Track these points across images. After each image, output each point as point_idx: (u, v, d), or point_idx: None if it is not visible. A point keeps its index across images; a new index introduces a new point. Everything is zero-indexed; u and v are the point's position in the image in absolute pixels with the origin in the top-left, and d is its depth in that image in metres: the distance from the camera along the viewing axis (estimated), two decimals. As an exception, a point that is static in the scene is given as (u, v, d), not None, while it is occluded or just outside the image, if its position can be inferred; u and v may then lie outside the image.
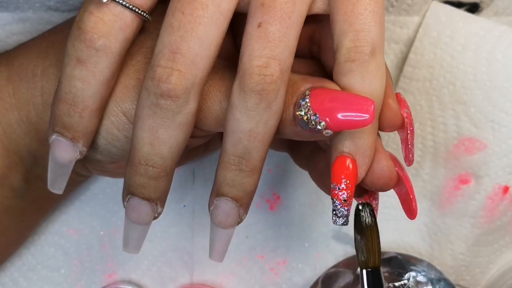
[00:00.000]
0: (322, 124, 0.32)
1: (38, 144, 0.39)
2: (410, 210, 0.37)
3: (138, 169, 0.33)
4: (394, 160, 0.36)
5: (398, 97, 0.36)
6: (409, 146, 0.36)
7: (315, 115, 0.32)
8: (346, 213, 0.34)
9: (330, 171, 0.34)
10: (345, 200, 0.34)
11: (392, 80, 0.36)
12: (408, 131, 0.36)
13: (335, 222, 0.34)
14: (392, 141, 0.47)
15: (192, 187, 0.49)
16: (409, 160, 0.37)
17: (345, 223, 0.34)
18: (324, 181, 0.38)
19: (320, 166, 0.39)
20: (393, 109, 0.35)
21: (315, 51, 0.38)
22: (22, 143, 0.39)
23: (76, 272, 0.48)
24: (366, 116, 0.31)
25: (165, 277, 0.49)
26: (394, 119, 0.35)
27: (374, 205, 0.38)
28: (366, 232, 0.36)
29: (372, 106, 0.32)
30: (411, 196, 0.36)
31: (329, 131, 0.32)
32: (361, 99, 0.32)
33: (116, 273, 0.49)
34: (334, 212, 0.34)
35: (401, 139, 0.37)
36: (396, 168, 0.36)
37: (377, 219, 0.48)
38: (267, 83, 0.31)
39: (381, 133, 0.36)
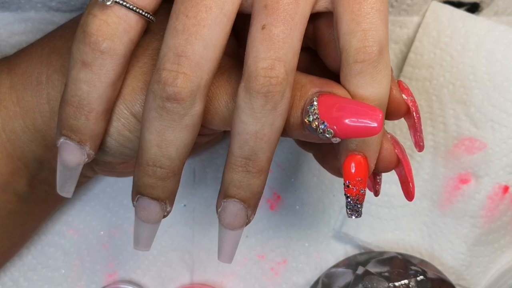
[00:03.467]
0: (330, 132, 0.32)
1: (45, 150, 0.39)
2: (408, 192, 0.38)
3: (147, 170, 0.34)
4: (395, 142, 0.36)
5: (400, 85, 0.36)
6: (418, 133, 0.37)
7: (323, 123, 0.32)
8: (359, 208, 0.35)
9: (341, 167, 0.35)
10: (358, 196, 0.34)
11: (392, 70, 0.36)
12: (415, 118, 0.36)
13: (350, 216, 0.35)
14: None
15: (193, 187, 0.49)
16: (420, 146, 0.37)
17: (359, 215, 0.35)
18: (328, 162, 0.38)
19: (324, 148, 0.39)
20: (396, 98, 0.35)
21: (311, 44, 0.38)
22: (27, 149, 0.39)
23: (76, 272, 0.48)
24: (374, 125, 0.32)
25: (165, 277, 0.49)
26: (398, 107, 0.35)
27: (378, 180, 0.39)
28: None
29: (380, 115, 0.32)
30: (409, 179, 0.37)
31: (337, 138, 0.32)
32: (369, 108, 0.32)
33: (116, 273, 0.49)
34: (348, 207, 0.35)
35: (408, 126, 0.37)
36: (396, 151, 0.36)
37: (376, 219, 0.48)
38: (272, 85, 0.31)
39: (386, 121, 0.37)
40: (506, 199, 0.46)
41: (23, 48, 0.41)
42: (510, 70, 0.45)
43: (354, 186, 0.34)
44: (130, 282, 0.49)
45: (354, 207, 0.35)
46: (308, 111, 0.33)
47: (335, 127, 0.32)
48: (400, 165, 0.36)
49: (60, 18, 0.45)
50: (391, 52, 0.48)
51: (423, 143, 0.37)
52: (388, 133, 0.36)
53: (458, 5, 0.47)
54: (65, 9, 0.44)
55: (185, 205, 0.49)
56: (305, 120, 0.33)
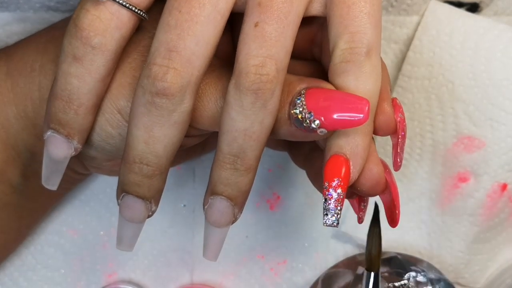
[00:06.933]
0: (316, 122, 0.32)
1: (35, 140, 0.39)
2: (393, 218, 0.37)
3: (133, 167, 0.33)
4: (384, 166, 0.36)
5: (394, 102, 0.36)
6: (398, 151, 0.36)
7: (310, 113, 0.32)
8: (337, 212, 0.33)
9: (323, 170, 0.34)
10: (336, 200, 0.33)
11: (390, 85, 0.36)
12: (399, 136, 0.36)
13: (325, 222, 0.33)
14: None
15: (193, 187, 0.49)
16: (397, 165, 0.37)
17: (335, 223, 0.33)
18: (320, 181, 0.38)
19: (316, 165, 0.39)
20: (387, 113, 0.35)
21: (316, 53, 0.38)
22: (19, 138, 0.39)
23: (76, 272, 0.48)
24: (361, 115, 0.32)
25: (165, 277, 0.49)
26: (387, 123, 0.35)
27: (362, 207, 0.38)
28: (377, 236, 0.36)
29: (367, 105, 0.32)
30: (395, 203, 0.36)
31: (323, 130, 0.32)
32: (356, 98, 0.32)
33: (116, 273, 0.49)
34: (324, 212, 0.33)
35: (392, 144, 0.37)
36: (385, 174, 0.35)
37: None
38: (263, 83, 0.31)
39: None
40: (504, 196, 0.46)
41: (24, 38, 0.41)
42: (509, 68, 0.45)
43: (333, 188, 0.33)
44: (129, 282, 0.49)
45: (332, 211, 0.33)
46: (295, 103, 0.32)
47: (322, 118, 0.32)
48: (387, 191, 0.36)
49: (58, 18, 0.45)
50: (391, 51, 0.48)
51: (401, 162, 0.37)
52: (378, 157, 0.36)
53: (458, 5, 0.47)
54: (64, 9, 0.45)
55: (185, 205, 0.49)
56: (292, 112, 0.33)
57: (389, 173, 0.36)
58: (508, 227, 0.47)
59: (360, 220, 0.39)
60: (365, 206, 0.38)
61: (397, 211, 0.36)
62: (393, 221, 0.37)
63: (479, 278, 0.48)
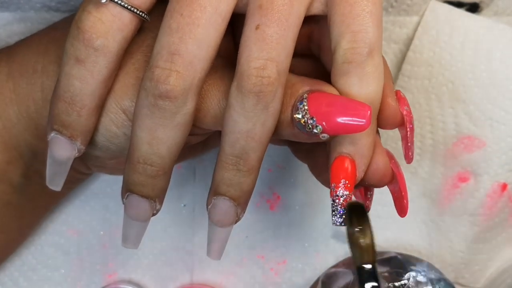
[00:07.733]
0: (318, 128, 0.32)
1: (37, 140, 0.39)
2: (402, 208, 0.37)
3: (137, 167, 0.34)
4: (390, 157, 0.36)
5: (397, 94, 0.36)
6: (409, 144, 0.37)
7: (312, 118, 0.32)
8: (345, 212, 0.34)
9: (329, 170, 0.35)
10: (344, 200, 0.34)
11: (392, 79, 0.37)
12: (408, 129, 0.36)
13: (334, 222, 0.34)
14: (391, 139, 0.47)
15: (193, 186, 0.49)
16: (409, 158, 0.37)
17: (344, 223, 0.34)
18: (323, 175, 0.38)
19: (319, 160, 0.39)
20: (392, 107, 0.35)
21: (315, 50, 0.38)
22: (21, 138, 0.39)
23: (76, 272, 0.48)
24: (363, 121, 0.32)
25: (165, 277, 0.49)
26: (393, 117, 0.35)
27: (369, 196, 0.38)
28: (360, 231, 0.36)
29: (369, 111, 0.32)
30: (403, 194, 0.37)
31: (325, 135, 0.32)
32: (358, 104, 0.32)
33: (116, 273, 0.49)
34: (333, 213, 0.34)
35: (401, 136, 0.37)
36: (391, 165, 0.36)
37: (375, 217, 0.48)
38: (264, 85, 0.32)
39: (380, 131, 0.37)
40: (504, 196, 0.46)
41: (25, 38, 0.41)
42: (509, 68, 0.45)
43: (340, 189, 0.34)
44: (130, 282, 0.49)
45: (340, 212, 0.34)
46: (298, 108, 0.33)
47: (324, 123, 0.32)
48: (394, 181, 0.36)
49: (59, 18, 0.45)
50: (391, 51, 0.48)
51: (412, 155, 0.37)
52: (384, 148, 0.36)
53: (458, 5, 0.47)
54: (64, 9, 0.45)
55: (185, 205, 0.49)
56: (294, 116, 0.33)
57: (395, 163, 0.37)
58: (508, 227, 0.48)
59: (367, 209, 0.39)
60: (371, 195, 0.39)
61: (405, 201, 0.37)
62: (402, 211, 0.37)
63: (479, 278, 0.48)
